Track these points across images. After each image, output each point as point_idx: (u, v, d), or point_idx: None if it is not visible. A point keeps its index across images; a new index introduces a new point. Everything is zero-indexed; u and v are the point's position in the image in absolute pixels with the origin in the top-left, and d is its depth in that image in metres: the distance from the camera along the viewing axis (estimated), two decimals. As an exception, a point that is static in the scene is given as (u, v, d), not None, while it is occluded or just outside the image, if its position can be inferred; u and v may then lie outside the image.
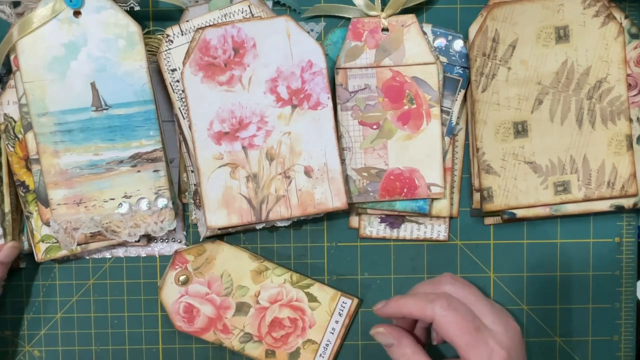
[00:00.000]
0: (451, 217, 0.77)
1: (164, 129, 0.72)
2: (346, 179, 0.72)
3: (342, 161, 0.73)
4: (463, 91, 0.74)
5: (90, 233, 0.71)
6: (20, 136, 0.73)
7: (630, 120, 0.73)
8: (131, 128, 0.70)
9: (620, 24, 0.73)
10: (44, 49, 0.69)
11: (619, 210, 0.74)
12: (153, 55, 0.72)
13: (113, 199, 0.71)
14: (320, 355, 0.76)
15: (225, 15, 0.72)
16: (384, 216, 0.76)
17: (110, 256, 0.77)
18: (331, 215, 0.74)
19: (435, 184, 0.73)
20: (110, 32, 0.70)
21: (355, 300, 0.76)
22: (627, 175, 0.73)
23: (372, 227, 0.77)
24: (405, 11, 0.74)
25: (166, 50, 0.72)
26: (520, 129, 0.73)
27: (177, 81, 0.72)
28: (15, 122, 0.73)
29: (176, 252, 0.75)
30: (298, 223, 0.76)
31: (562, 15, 0.72)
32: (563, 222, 0.77)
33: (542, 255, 0.78)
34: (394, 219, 0.76)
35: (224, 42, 0.70)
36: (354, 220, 0.77)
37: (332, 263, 0.78)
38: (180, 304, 0.75)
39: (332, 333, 0.76)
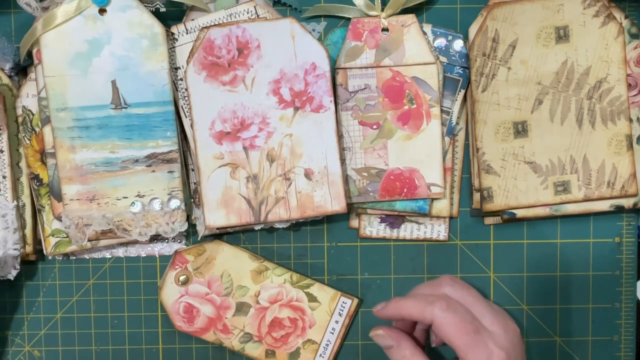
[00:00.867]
0: (451, 217, 0.77)
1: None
2: (346, 179, 0.72)
3: (343, 162, 0.73)
4: (463, 91, 0.74)
5: (101, 230, 0.71)
6: (37, 129, 0.73)
7: (630, 120, 0.73)
8: (149, 128, 0.71)
9: (620, 24, 0.73)
10: (67, 45, 0.70)
11: (619, 210, 0.74)
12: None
13: (126, 198, 0.71)
14: (320, 355, 0.76)
15: (230, 15, 0.72)
16: (384, 216, 0.76)
17: (110, 256, 0.77)
18: (331, 216, 0.74)
19: (435, 184, 0.73)
20: (134, 32, 0.70)
21: (355, 300, 0.76)
22: (627, 175, 0.73)
23: (372, 227, 0.77)
24: (405, 11, 0.74)
25: (171, 49, 0.72)
26: (520, 129, 0.73)
27: (181, 79, 0.72)
28: (33, 115, 0.73)
29: (176, 252, 0.75)
30: (298, 223, 0.76)
31: (562, 15, 0.72)
32: (563, 222, 0.77)
33: (542, 255, 0.78)
34: (394, 219, 0.76)
35: (229, 42, 0.70)
36: (354, 221, 0.77)
37: (332, 263, 0.78)
38: (180, 304, 0.75)
39: (332, 333, 0.76)
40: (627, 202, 0.74)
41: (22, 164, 0.74)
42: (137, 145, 0.71)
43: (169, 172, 0.71)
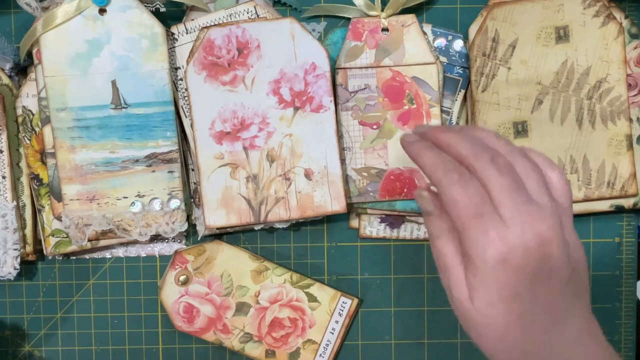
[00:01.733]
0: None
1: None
2: (346, 179, 0.72)
3: (343, 161, 0.73)
4: (463, 91, 0.74)
5: (101, 230, 0.71)
6: (37, 129, 0.73)
7: (630, 120, 0.73)
8: (149, 128, 0.71)
9: (620, 24, 0.73)
10: (67, 45, 0.70)
11: (619, 210, 0.74)
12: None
13: (126, 198, 0.71)
14: (320, 355, 0.76)
15: (230, 15, 0.72)
16: (384, 216, 0.76)
17: (110, 256, 0.77)
18: (331, 216, 0.74)
19: None
20: (134, 32, 0.70)
21: (355, 300, 0.76)
22: (627, 176, 0.73)
23: (372, 227, 0.77)
24: (405, 11, 0.74)
25: (171, 49, 0.72)
26: (520, 129, 0.73)
27: (181, 79, 0.72)
28: (33, 115, 0.73)
29: (176, 252, 0.75)
30: (298, 223, 0.76)
31: (562, 15, 0.72)
32: (563, 222, 0.77)
33: (542, 255, 0.78)
34: (394, 219, 0.76)
35: (229, 42, 0.70)
36: (353, 221, 0.77)
37: (332, 263, 0.78)
38: (180, 304, 0.75)
39: (332, 333, 0.76)
40: (627, 202, 0.74)
41: (22, 164, 0.74)
42: (137, 145, 0.71)
43: (169, 172, 0.71)
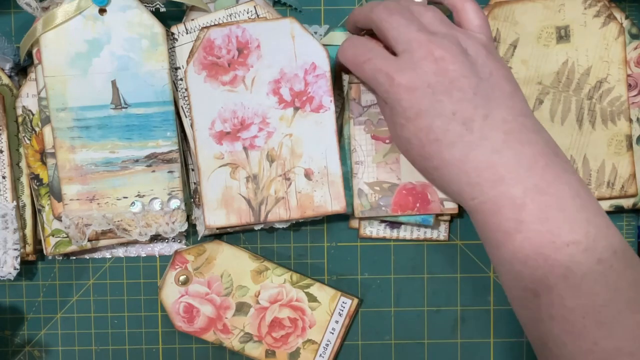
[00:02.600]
0: (451, 220, 0.77)
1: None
2: (358, 193, 0.72)
3: (354, 175, 0.73)
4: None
5: (101, 230, 0.71)
6: (37, 129, 0.73)
7: (630, 121, 0.73)
8: (149, 128, 0.71)
9: (621, 24, 0.73)
10: (67, 45, 0.69)
11: (619, 210, 0.74)
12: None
13: (126, 198, 0.71)
14: (320, 355, 0.76)
15: (230, 15, 0.72)
16: (384, 216, 0.76)
17: (110, 256, 0.77)
18: (331, 216, 0.74)
19: (448, 198, 0.72)
20: (134, 32, 0.70)
21: (355, 300, 0.76)
22: (627, 176, 0.73)
23: (372, 227, 0.76)
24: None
25: (171, 49, 0.72)
26: (520, 129, 0.73)
27: (181, 79, 0.72)
28: (33, 115, 0.73)
29: (176, 252, 0.75)
30: (298, 223, 0.76)
31: (563, 15, 0.72)
32: (563, 222, 0.77)
33: (542, 255, 0.78)
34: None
35: (229, 42, 0.70)
36: (354, 221, 0.77)
37: (332, 263, 0.78)
38: (180, 304, 0.75)
39: (332, 333, 0.76)
40: (627, 203, 0.74)
41: (22, 164, 0.74)
42: (137, 145, 0.71)
43: (169, 172, 0.71)
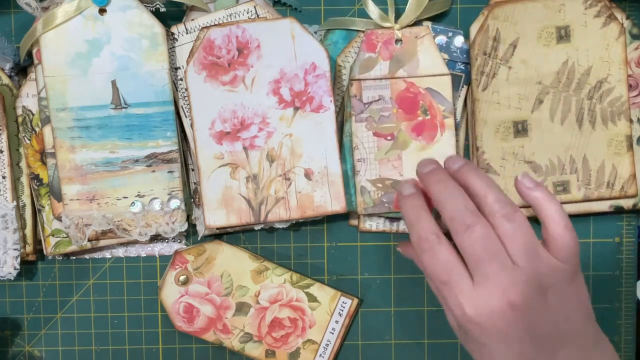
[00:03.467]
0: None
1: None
2: (361, 190, 0.72)
3: (357, 173, 0.73)
4: (466, 87, 0.74)
5: (101, 230, 0.71)
6: (37, 129, 0.73)
7: (631, 121, 0.73)
8: (149, 128, 0.71)
9: (622, 24, 0.73)
10: (67, 45, 0.70)
11: (619, 211, 0.74)
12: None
13: (126, 198, 0.71)
14: (320, 355, 0.76)
15: (230, 15, 0.72)
16: (384, 212, 0.76)
17: (110, 256, 0.77)
18: (331, 216, 0.74)
19: None
20: (134, 32, 0.70)
21: (355, 300, 0.76)
22: (627, 176, 0.73)
23: (372, 220, 0.76)
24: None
25: (171, 49, 0.72)
26: (520, 129, 0.73)
27: (181, 79, 0.72)
28: (33, 115, 0.73)
29: (176, 252, 0.75)
30: (298, 223, 0.76)
31: (563, 15, 0.72)
32: (563, 222, 0.77)
33: (542, 256, 0.78)
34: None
35: (229, 42, 0.70)
36: (353, 218, 0.77)
37: (332, 263, 0.78)
38: (180, 304, 0.75)
39: (332, 333, 0.76)
40: (627, 203, 0.74)
41: (22, 164, 0.74)
42: (137, 145, 0.71)
43: (169, 172, 0.71)
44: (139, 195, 0.71)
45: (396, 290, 0.78)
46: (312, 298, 0.76)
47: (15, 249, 0.73)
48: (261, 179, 0.71)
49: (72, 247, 0.74)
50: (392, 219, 0.76)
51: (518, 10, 0.72)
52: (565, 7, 0.72)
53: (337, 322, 0.76)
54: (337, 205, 0.72)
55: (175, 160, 0.71)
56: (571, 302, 0.59)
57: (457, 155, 0.68)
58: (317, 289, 0.76)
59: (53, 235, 0.74)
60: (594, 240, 0.77)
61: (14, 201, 0.73)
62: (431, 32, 0.73)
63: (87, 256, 0.77)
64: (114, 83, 0.70)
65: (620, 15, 0.73)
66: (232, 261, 0.75)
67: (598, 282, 0.77)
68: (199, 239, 0.75)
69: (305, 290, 0.76)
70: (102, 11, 0.70)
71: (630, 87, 0.73)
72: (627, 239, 0.77)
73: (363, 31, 0.73)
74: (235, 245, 0.76)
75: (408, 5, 0.72)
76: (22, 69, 0.74)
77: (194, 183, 0.74)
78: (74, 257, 0.77)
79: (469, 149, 0.76)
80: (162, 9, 0.71)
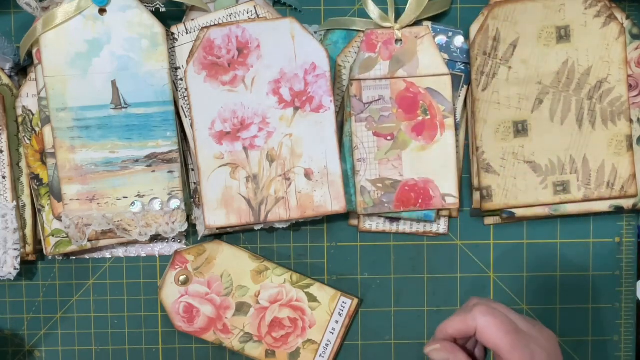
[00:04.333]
0: (450, 217, 0.77)
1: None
2: (361, 190, 0.72)
3: (357, 172, 0.73)
4: (466, 87, 0.74)
5: (101, 230, 0.71)
6: (37, 129, 0.73)
7: (631, 121, 0.73)
8: (149, 128, 0.71)
9: (622, 24, 0.72)
10: (67, 45, 0.70)
11: (619, 210, 0.74)
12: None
13: (126, 198, 0.71)
14: (320, 355, 0.76)
15: (230, 15, 0.72)
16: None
17: (110, 256, 0.77)
18: (331, 216, 0.74)
19: (449, 194, 0.72)
20: (134, 32, 0.70)
21: (355, 300, 0.76)
22: (627, 176, 0.73)
23: (372, 220, 0.76)
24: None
25: (171, 49, 0.72)
26: (520, 129, 0.73)
27: (181, 79, 0.72)
28: (33, 115, 0.73)
29: (176, 252, 0.75)
30: (298, 223, 0.76)
31: (563, 15, 0.72)
32: (563, 222, 0.77)
33: (542, 255, 0.78)
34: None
35: (229, 42, 0.70)
36: (353, 218, 0.77)
37: (332, 263, 0.78)
38: (180, 304, 0.75)
39: (332, 333, 0.76)
40: (627, 203, 0.74)
41: (22, 164, 0.74)
42: (137, 145, 0.71)
43: (169, 172, 0.71)
44: (139, 195, 0.71)
45: (396, 290, 0.78)
46: (312, 298, 0.76)
47: (15, 249, 0.73)
48: (261, 179, 0.71)
49: (72, 247, 0.74)
50: (392, 219, 0.76)
51: (518, 10, 0.72)
52: (565, 7, 0.72)
53: (337, 322, 0.76)
54: (337, 205, 0.72)
55: (175, 160, 0.71)
56: None
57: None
58: (317, 289, 0.76)
59: (53, 235, 0.74)
60: (594, 241, 0.77)
61: (14, 201, 0.73)
62: (431, 32, 0.73)
63: (87, 256, 0.77)
64: (114, 83, 0.70)
65: (620, 15, 0.73)
66: (232, 261, 0.75)
67: (598, 282, 0.78)
68: (199, 239, 0.75)
69: (305, 290, 0.76)
70: (102, 11, 0.70)
71: (630, 87, 0.73)
72: (627, 239, 0.77)
73: (363, 31, 0.73)
74: (235, 245, 0.76)
75: (408, 5, 0.72)
76: (22, 69, 0.74)
77: (194, 183, 0.74)
78: (74, 257, 0.77)
79: (469, 149, 0.76)
80: (162, 9, 0.71)
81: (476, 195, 0.75)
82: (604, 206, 0.74)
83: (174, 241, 0.77)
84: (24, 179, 0.74)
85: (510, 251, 0.78)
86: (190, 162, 0.74)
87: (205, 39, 0.70)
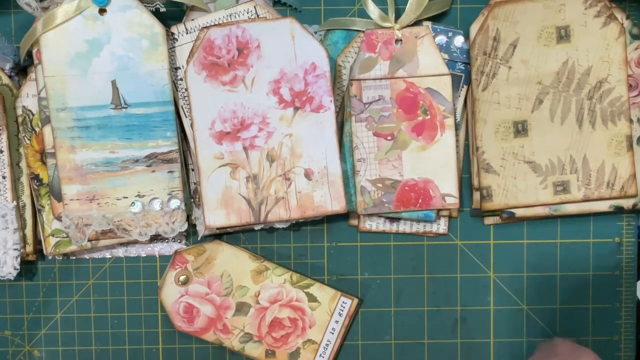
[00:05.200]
0: (450, 217, 0.77)
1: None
2: (361, 190, 0.72)
3: (357, 172, 0.73)
4: (466, 87, 0.74)
5: (101, 230, 0.71)
6: (37, 129, 0.73)
7: (631, 121, 0.73)
8: (149, 128, 0.71)
9: (622, 24, 0.72)
10: (67, 45, 0.70)
11: (619, 211, 0.74)
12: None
13: (126, 198, 0.71)
14: (320, 355, 0.76)
15: (230, 15, 0.72)
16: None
17: (110, 256, 0.77)
18: (331, 216, 0.74)
19: (449, 194, 0.72)
20: (134, 32, 0.70)
21: (355, 300, 0.76)
22: (627, 176, 0.73)
23: (372, 220, 0.76)
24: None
25: (171, 49, 0.72)
26: (520, 128, 0.73)
27: (181, 79, 0.72)
28: (33, 115, 0.73)
29: (176, 252, 0.75)
30: (298, 223, 0.76)
31: (563, 15, 0.72)
32: (563, 222, 0.77)
33: (542, 255, 0.78)
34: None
35: (229, 42, 0.70)
36: (353, 218, 0.77)
37: (332, 263, 0.78)
38: (180, 304, 0.75)
39: (332, 333, 0.76)
40: (627, 203, 0.74)
41: (22, 164, 0.74)
42: (137, 145, 0.71)
43: (169, 172, 0.71)
44: (139, 195, 0.71)
45: (396, 290, 0.78)
46: (312, 298, 0.76)
47: (15, 249, 0.73)
48: (261, 179, 0.71)
49: (72, 247, 0.74)
50: (392, 219, 0.76)
51: (518, 10, 0.72)
52: (565, 7, 0.72)
53: (337, 322, 0.76)
54: (337, 205, 0.72)
55: (175, 160, 0.71)
56: None
57: None
58: (317, 289, 0.76)
59: (53, 235, 0.74)
60: (594, 240, 0.77)
61: (14, 201, 0.73)
62: (431, 32, 0.73)
63: (87, 256, 0.77)
64: (114, 83, 0.70)
65: (620, 15, 0.73)
66: (232, 261, 0.75)
67: (598, 282, 0.78)
68: (199, 239, 0.75)
69: (305, 290, 0.76)
70: (102, 11, 0.70)
71: (630, 87, 0.73)
72: (627, 239, 0.77)
73: (363, 31, 0.73)
74: (235, 245, 0.76)
75: (408, 5, 0.72)
76: (22, 69, 0.74)
77: (194, 183, 0.74)
78: (74, 257, 0.77)
79: (468, 149, 0.76)
80: (162, 9, 0.71)
81: (476, 195, 0.75)
82: (604, 206, 0.74)
83: (174, 241, 0.77)
84: (24, 179, 0.74)
85: (510, 251, 0.78)
86: (190, 162, 0.74)
87: (205, 39, 0.70)
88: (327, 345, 0.76)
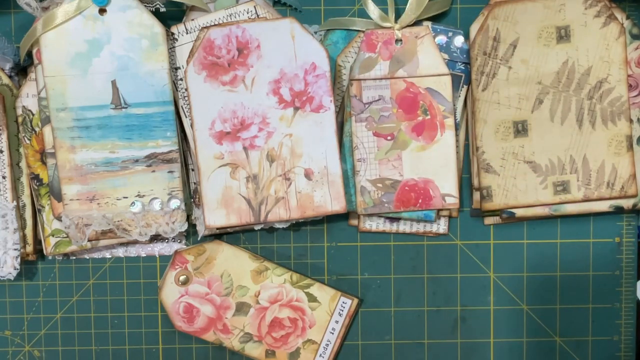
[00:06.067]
0: (450, 217, 0.77)
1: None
2: (361, 190, 0.72)
3: (357, 173, 0.73)
4: (466, 87, 0.74)
5: (101, 230, 0.71)
6: (37, 129, 0.73)
7: (631, 121, 0.73)
8: (149, 128, 0.71)
9: (622, 24, 0.72)
10: (67, 45, 0.70)
11: (619, 210, 0.74)
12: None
13: (126, 198, 0.71)
14: (320, 355, 0.76)
15: (230, 15, 0.72)
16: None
17: (110, 256, 0.77)
18: (331, 216, 0.74)
19: (449, 194, 0.73)
20: (134, 32, 0.70)
21: (355, 300, 0.76)
22: (627, 176, 0.73)
23: (372, 220, 0.76)
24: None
25: (171, 49, 0.72)
26: (520, 128, 0.73)
27: (181, 79, 0.72)
28: (33, 115, 0.73)
29: (176, 252, 0.75)
30: (298, 223, 0.76)
31: (563, 15, 0.72)
32: (563, 222, 0.77)
33: (542, 255, 0.78)
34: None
35: (229, 42, 0.70)
36: (353, 218, 0.77)
37: (332, 263, 0.78)
38: (180, 304, 0.75)
39: (332, 333, 0.76)
40: (627, 203, 0.74)
41: (22, 164, 0.74)
42: (137, 145, 0.71)
43: (169, 172, 0.71)
44: (139, 195, 0.71)
45: (396, 290, 0.78)
46: (312, 298, 0.76)
47: (15, 249, 0.73)
48: (261, 179, 0.71)
49: (72, 247, 0.74)
50: (392, 219, 0.76)
51: (518, 10, 0.72)
52: (565, 7, 0.72)
53: (337, 322, 0.76)
54: (337, 205, 0.72)
55: (175, 160, 0.71)
56: None
57: None
58: (317, 289, 0.76)
59: (53, 235, 0.74)
60: (594, 240, 0.78)
61: (14, 201, 0.73)
62: (431, 32, 0.73)
63: (87, 256, 0.77)
64: (114, 83, 0.70)
65: (620, 15, 0.73)
66: (232, 261, 0.75)
67: (598, 282, 0.78)
68: (199, 239, 0.75)
69: (305, 290, 0.76)
70: (102, 11, 0.70)
71: (630, 87, 0.73)
72: (627, 239, 0.77)
73: (363, 31, 0.73)
74: (235, 245, 0.76)
75: (408, 5, 0.72)
76: (22, 69, 0.74)
77: (194, 183, 0.74)
78: (74, 257, 0.77)
79: (469, 149, 0.76)
80: (162, 9, 0.71)
81: (476, 195, 0.75)
82: (604, 206, 0.74)
83: (174, 241, 0.77)
84: (24, 179, 0.74)
85: (510, 251, 0.78)
86: (190, 162, 0.74)
87: (205, 39, 0.70)
88: (327, 345, 0.76)
